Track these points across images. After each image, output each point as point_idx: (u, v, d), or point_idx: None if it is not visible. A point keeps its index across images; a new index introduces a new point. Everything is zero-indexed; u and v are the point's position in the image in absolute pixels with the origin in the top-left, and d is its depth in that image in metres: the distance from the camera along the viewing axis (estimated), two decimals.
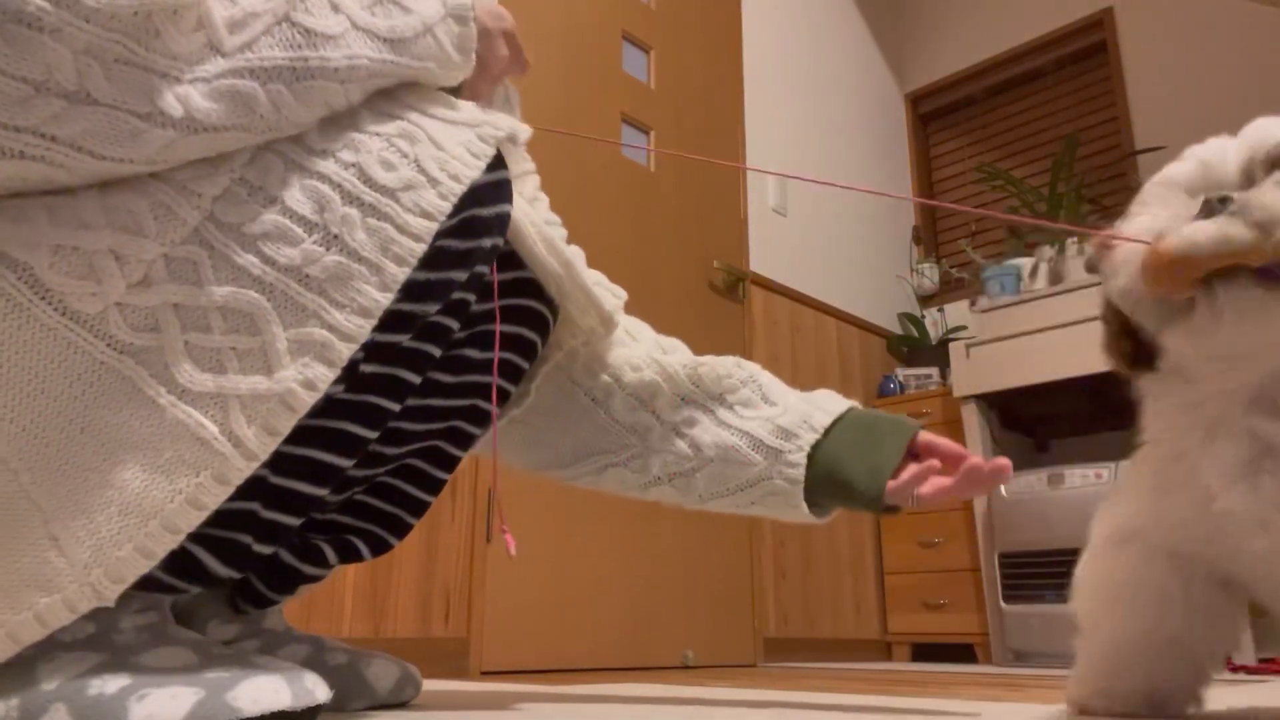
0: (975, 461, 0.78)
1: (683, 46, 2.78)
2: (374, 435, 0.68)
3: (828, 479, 0.82)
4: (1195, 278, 0.61)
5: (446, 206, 0.60)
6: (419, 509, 0.82)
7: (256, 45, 0.55)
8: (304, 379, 0.55)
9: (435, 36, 0.63)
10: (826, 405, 0.85)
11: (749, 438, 0.84)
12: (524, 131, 0.70)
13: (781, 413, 0.84)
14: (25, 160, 0.50)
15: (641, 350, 0.89)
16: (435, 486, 0.82)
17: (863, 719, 0.77)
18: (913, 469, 0.79)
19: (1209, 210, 0.61)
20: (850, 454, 0.81)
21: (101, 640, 0.60)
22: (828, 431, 0.83)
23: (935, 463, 0.78)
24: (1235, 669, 2.29)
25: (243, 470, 0.54)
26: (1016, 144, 3.69)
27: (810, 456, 0.82)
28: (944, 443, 0.82)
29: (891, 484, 0.79)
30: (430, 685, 1.29)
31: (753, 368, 0.88)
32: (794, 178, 0.83)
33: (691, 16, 2.85)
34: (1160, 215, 0.65)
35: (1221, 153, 0.63)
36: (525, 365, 0.81)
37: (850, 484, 0.80)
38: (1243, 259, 0.59)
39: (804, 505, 0.83)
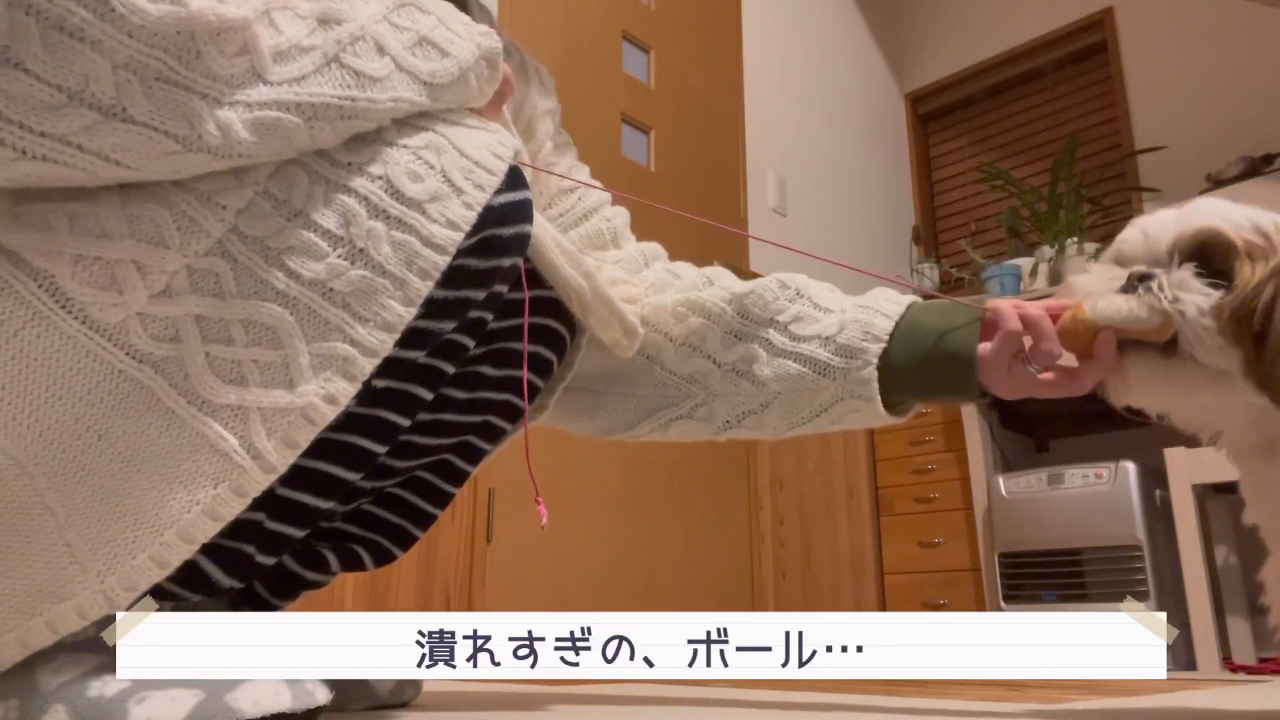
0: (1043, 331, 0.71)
1: (683, 46, 2.78)
2: (383, 450, 0.68)
3: (904, 382, 0.79)
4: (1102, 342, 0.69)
5: (472, 216, 0.60)
6: (425, 521, 0.81)
7: (306, 81, 0.55)
8: (326, 393, 0.55)
9: (469, 81, 0.64)
10: (885, 308, 0.81)
11: (811, 362, 0.80)
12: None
13: (839, 326, 0.81)
14: (47, 163, 0.50)
15: (682, 294, 0.87)
16: (443, 500, 0.82)
17: (863, 718, 0.78)
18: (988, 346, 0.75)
19: (1130, 285, 0.67)
20: (921, 350, 0.77)
21: (102, 641, 0.60)
22: (893, 333, 0.79)
23: (1014, 329, 0.73)
24: (1235, 669, 2.29)
25: (261, 483, 0.55)
26: (1016, 144, 3.69)
27: (881, 366, 0.79)
28: (1010, 312, 0.74)
29: (981, 368, 0.75)
30: (430, 686, 1.29)
31: (799, 280, 0.85)
32: (799, 252, 0.83)
33: (691, 16, 2.85)
34: (1093, 280, 0.70)
35: (1161, 227, 0.67)
36: (541, 383, 0.81)
37: (932, 382, 0.77)
38: (1146, 336, 0.66)
39: (885, 415, 0.80)
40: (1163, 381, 0.66)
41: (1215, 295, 0.63)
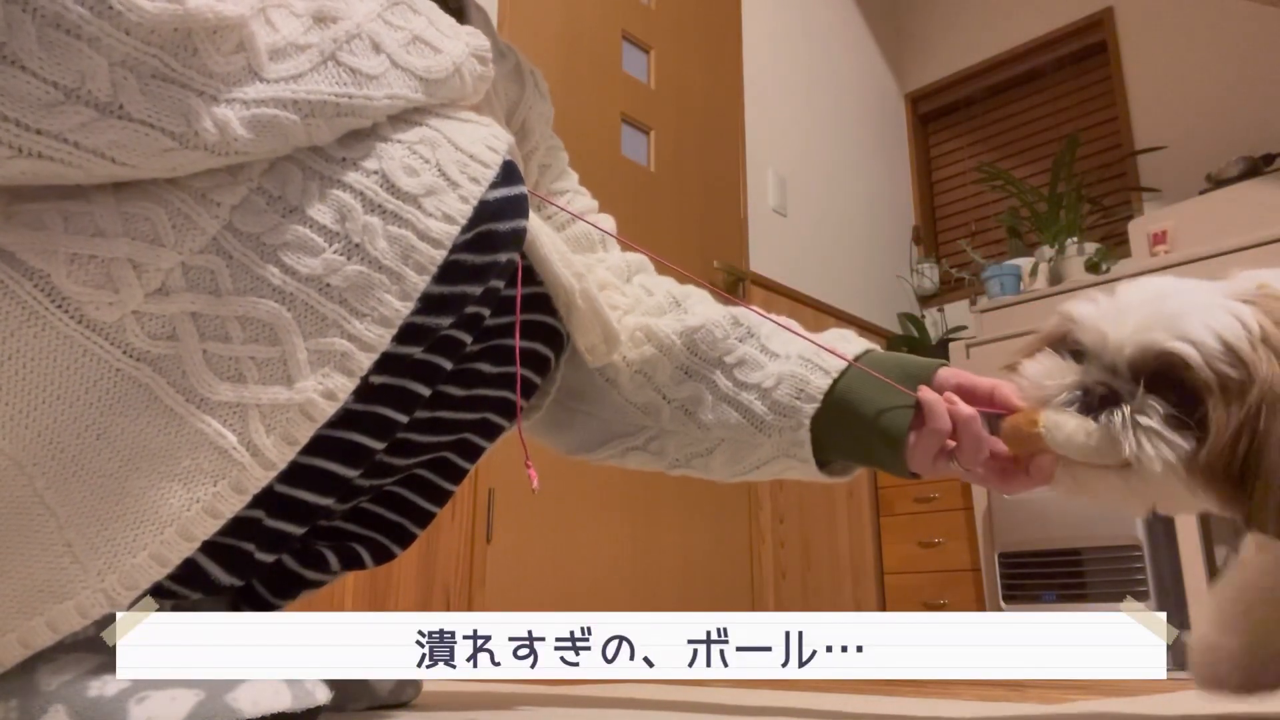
0: (974, 435, 0.67)
1: (683, 46, 2.78)
2: (381, 446, 0.68)
3: (836, 448, 0.77)
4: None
5: (468, 210, 0.59)
6: (424, 519, 0.81)
7: (302, 79, 0.55)
8: (324, 389, 0.55)
9: (461, 76, 0.64)
10: (826, 363, 0.76)
11: (750, 414, 0.78)
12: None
13: (776, 379, 0.77)
14: (43, 160, 0.50)
15: (642, 318, 0.85)
16: (442, 497, 0.82)
17: None
18: (915, 438, 0.71)
19: (1088, 406, 0.61)
20: (855, 420, 0.74)
21: (101, 641, 0.60)
22: (830, 392, 0.75)
23: (940, 428, 0.69)
24: None
25: (260, 480, 0.55)
26: (1016, 144, 3.69)
27: (814, 427, 0.76)
28: (940, 409, 0.69)
29: (908, 452, 0.71)
30: (430, 686, 1.29)
31: (753, 319, 0.81)
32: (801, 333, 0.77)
33: (691, 16, 2.85)
34: (1045, 372, 0.64)
35: (1120, 329, 0.60)
36: (538, 380, 0.81)
37: (865, 453, 0.75)
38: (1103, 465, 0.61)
39: (822, 477, 0.78)
40: (1118, 495, 0.62)
41: (1185, 448, 0.57)
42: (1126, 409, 0.59)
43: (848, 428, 0.75)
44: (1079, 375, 0.62)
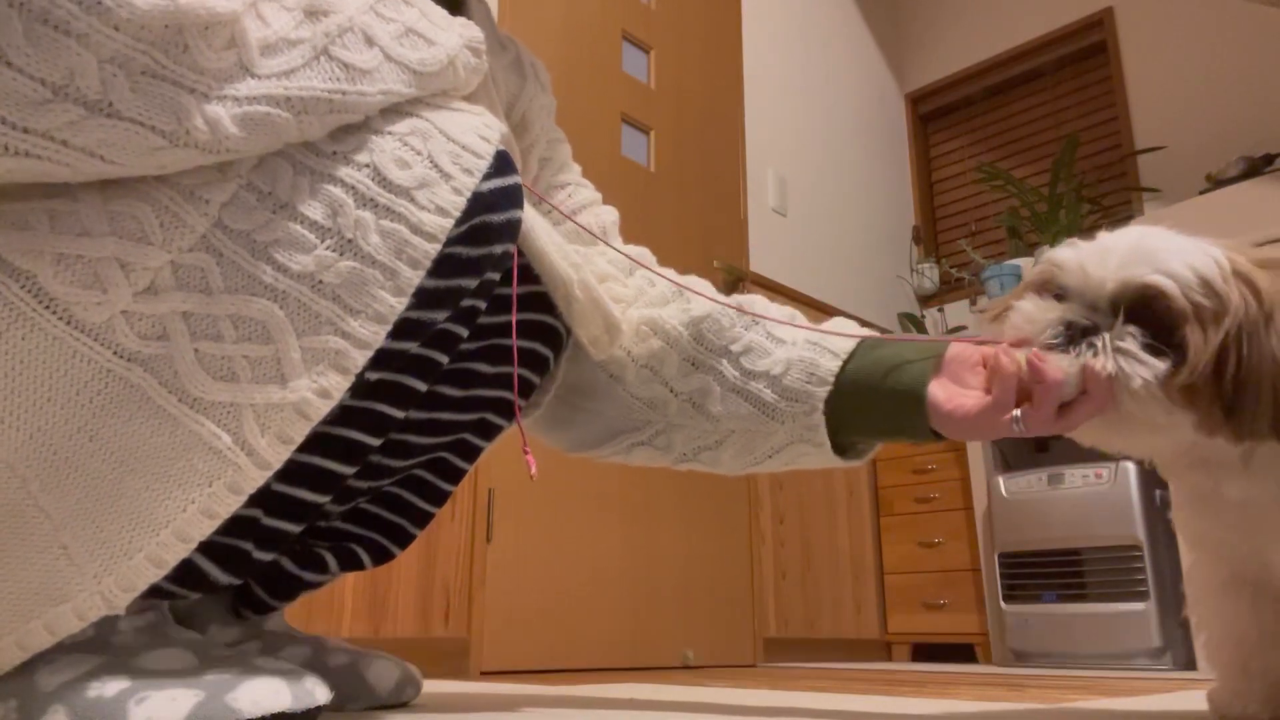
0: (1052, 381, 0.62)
1: (683, 46, 2.78)
2: (377, 442, 0.67)
3: (854, 424, 0.76)
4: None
5: (461, 201, 0.59)
6: (423, 519, 0.81)
7: (295, 75, 0.54)
8: (319, 387, 0.55)
9: (455, 68, 0.63)
10: (835, 345, 0.76)
11: (761, 403, 0.77)
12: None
13: (785, 365, 0.77)
14: (30, 159, 0.49)
15: (646, 310, 0.84)
16: (440, 498, 0.81)
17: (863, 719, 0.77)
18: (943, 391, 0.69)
19: (1070, 339, 0.63)
20: (871, 394, 0.73)
21: (100, 642, 0.60)
22: (840, 374, 0.75)
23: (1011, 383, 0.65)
24: None
25: (256, 480, 0.54)
26: (1016, 144, 3.69)
27: (827, 410, 0.75)
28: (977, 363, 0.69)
29: (935, 406, 0.69)
30: (430, 686, 1.29)
31: (759, 305, 0.81)
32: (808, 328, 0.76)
33: (691, 16, 2.85)
34: (1035, 313, 0.66)
35: (1101, 267, 0.63)
36: (536, 380, 0.80)
37: (888, 426, 0.74)
38: None
39: (838, 460, 0.77)
40: (1101, 430, 0.64)
41: (1161, 368, 0.60)
42: (1106, 336, 0.62)
43: (863, 404, 0.74)
44: (1062, 313, 0.65)
